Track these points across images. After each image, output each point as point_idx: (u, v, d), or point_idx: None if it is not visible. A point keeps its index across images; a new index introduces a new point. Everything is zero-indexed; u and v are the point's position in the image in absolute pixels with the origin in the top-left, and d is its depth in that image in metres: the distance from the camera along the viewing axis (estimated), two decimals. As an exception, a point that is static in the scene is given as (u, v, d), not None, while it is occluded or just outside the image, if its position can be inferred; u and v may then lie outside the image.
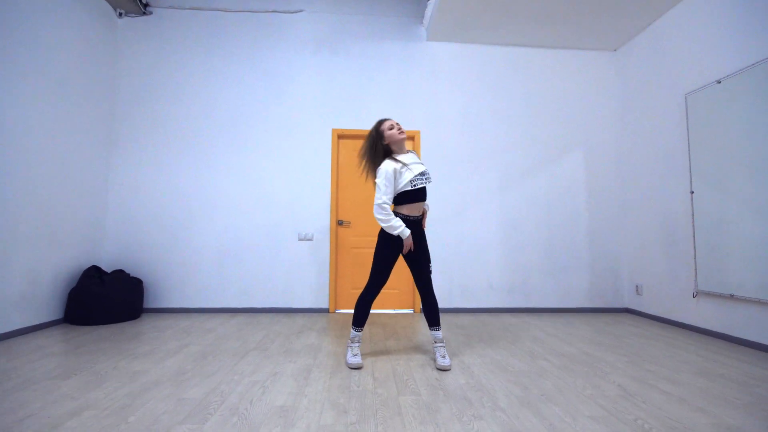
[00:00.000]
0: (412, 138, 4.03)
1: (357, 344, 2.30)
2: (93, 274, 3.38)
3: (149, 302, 3.70)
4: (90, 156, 3.56)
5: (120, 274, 3.52)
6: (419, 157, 2.40)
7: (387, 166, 2.21)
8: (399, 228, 2.17)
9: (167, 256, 3.75)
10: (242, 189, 3.86)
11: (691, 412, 1.69)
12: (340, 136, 3.97)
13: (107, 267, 3.68)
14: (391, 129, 2.27)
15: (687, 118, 3.26)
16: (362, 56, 4.04)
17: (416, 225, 2.29)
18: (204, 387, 1.91)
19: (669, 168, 3.47)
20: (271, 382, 1.99)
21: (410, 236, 2.20)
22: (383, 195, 2.17)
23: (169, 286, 3.73)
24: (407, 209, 2.26)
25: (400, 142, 2.29)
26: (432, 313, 2.31)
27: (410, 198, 2.24)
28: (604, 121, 4.14)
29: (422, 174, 2.27)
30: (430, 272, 2.33)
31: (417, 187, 2.22)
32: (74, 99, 3.38)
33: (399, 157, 2.27)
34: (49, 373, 2.10)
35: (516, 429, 1.52)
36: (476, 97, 4.09)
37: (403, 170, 2.21)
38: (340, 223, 3.93)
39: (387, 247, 2.25)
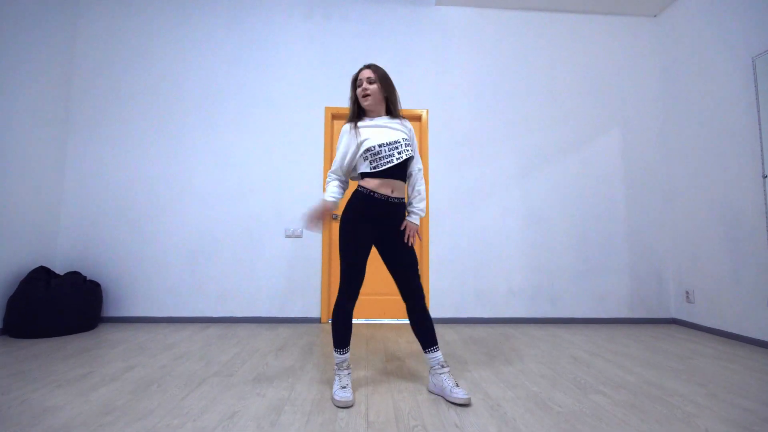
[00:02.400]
0: (418, 118, 3.45)
1: (346, 371, 1.72)
2: (39, 277, 2.84)
3: (109, 310, 3.15)
4: (40, 135, 3.02)
5: (74, 276, 2.97)
6: (401, 124, 1.79)
7: (345, 127, 1.77)
8: (325, 194, 1.75)
9: (131, 255, 3.20)
10: (219, 176, 3.30)
11: None
12: (335, 115, 3.41)
13: (60, 268, 3.14)
14: (359, 85, 1.76)
15: (756, 86, 2.66)
16: (361, 22, 3.47)
17: (385, 206, 1.70)
18: (125, 438, 1.34)
19: (731, 148, 2.86)
20: (223, 428, 1.41)
21: (325, 205, 1.71)
22: (334, 163, 1.76)
23: (133, 291, 3.18)
24: (374, 183, 1.69)
25: (365, 105, 1.76)
26: (427, 330, 1.73)
27: (382, 173, 1.69)
28: (644, 96, 3.54)
29: (393, 144, 1.70)
30: (418, 272, 1.76)
31: (386, 165, 1.67)
32: (22, 70, 2.85)
33: (366, 120, 1.76)
34: (-71, 410, 1.54)
35: None
36: (493, 70, 3.51)
37: (361, 134, 1.70)
38: (334, 217, 3.36)
39: (349, 236, 1.68)
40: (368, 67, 1.77)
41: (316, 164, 3.35)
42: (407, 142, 1.73)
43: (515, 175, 3.44)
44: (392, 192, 1.71)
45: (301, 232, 3.29)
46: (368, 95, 1.72)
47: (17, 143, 2.84)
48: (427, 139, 3.41)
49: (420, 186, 1.79)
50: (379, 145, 1.67)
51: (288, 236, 3.28)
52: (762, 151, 2.61)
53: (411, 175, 1.81)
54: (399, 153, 1.69)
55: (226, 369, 2.06)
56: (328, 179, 1.79)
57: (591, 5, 3.48)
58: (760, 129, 2.63)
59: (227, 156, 3.32)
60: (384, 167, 1.67)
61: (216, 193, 3.29)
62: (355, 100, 1.79)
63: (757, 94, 2.65)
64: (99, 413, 1.53)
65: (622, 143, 3.48)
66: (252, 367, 2.11)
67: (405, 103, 3.42)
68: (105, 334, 2.81)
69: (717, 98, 2.99)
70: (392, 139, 1.70)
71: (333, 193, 1.74)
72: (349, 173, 1.78)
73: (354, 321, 3.25)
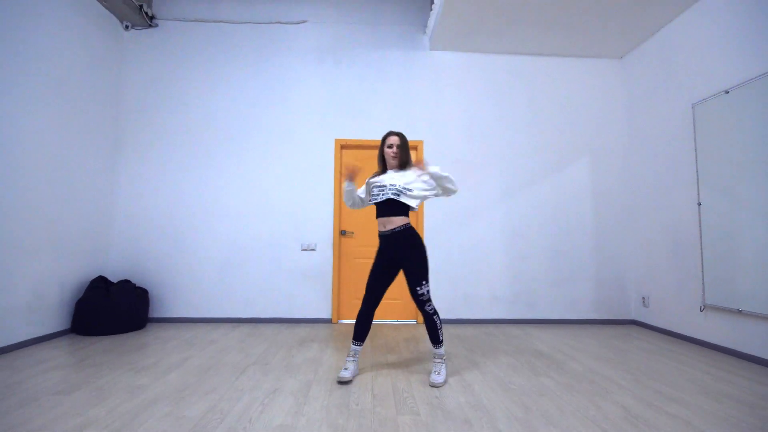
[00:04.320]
0: (414, 148, 4.02)
1: (350, 358, 2.32)
2: (99, 285, 3.42)
3: (155, 311, 3.74)
4: (95, 166, 3.61)
5: (126, 284, 3.55)
6: (412, 173, 2.34)
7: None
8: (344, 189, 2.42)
9: (172, 265, 3.78)
10: (245, 198, 3.88)
11: (696, 437, 1.66)
12: (343, 146, 3.98)
13: (114, 277, 3.72)
14: (389, 147, 2.36)
15: (694, 128, 3.21)
16: (365, 66, 4.04)
17: (383, 239, 2.33)
18: (203, 404, 1.91)
19: (676, 178, 3.41)
20: (270, 399, 1.98)
21: (350, 177, 2.37)
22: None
23: (173, 296, 3.76)
24: (377, 223, 2.36)
25: (391, 162, 2.39)
26: (427, 329, 2.30)
27: (377, 212, 2.35)
28: (610, 129, 4.10)
29: (381, 186, 2.31)
30: (417, 294, 2.25)
31: (372, 201, 2.36)
32: (80, 110, 3.43)
33: (385, 174, 2.41)
34: (52, 388, 2.12)
35: (515, 455, 1.50)
36: (480, 106, 4.07)
37: (371, 182, 2.38)
38: (343, 233, 3.93)
39: (375, 258, 2.37)
40: (397, 134, 2.37)
41: (327, 187, 3.92)
42: (393, 187, 2.27)
43: (499, 196, 4.00)
44: (385, 227, 2.29)
45: (315, 246, 3.86)
46: (396, 158, 2.35)
47: (75, 174, 3.40)
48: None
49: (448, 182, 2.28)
50: (374, 185, 2.34)
51: (304, 249, 3.86)
52: (698, 182, 3.17)
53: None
54: (383, 194, 2.29)
55: (262, 359, 2.64)
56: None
57: (565, 49, 4.02)
58: (696, 164, 3.18)
59: (252, 181, 3.90)
60: (374, 201, 2.34)
61: (242, 212, 3.87)
62: (382, 155, 2.40)
63: (694, 135, 3.20)
64: (177, 390, 2.11)
65: (590, 170, 4.04)
66: (282, 357, 2.68)
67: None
68: (155, 332, 3.38)
69: (666, 135, 3.54)
70: (382, 184, 2.31)
71: (345, 186, 2.41)
72: (361, 200, 2.47)
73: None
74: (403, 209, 2.32)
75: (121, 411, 1.84)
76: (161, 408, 1.87)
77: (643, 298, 3.77)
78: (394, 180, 2.31)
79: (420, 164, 2.21)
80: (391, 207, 2.29)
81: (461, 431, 1.67)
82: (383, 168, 2.43)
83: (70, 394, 2.04)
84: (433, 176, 2.23)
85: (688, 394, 2.12)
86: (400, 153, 2.35)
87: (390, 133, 2.39)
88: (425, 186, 2.30)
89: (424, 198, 2.34)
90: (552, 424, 1.75)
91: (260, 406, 1.90)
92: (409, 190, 2.29)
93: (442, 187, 2.28)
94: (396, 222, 2.30)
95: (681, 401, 2.02)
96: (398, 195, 2.29)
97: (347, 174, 2.35)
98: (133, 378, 2.28)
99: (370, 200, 2.39)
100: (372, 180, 2.39)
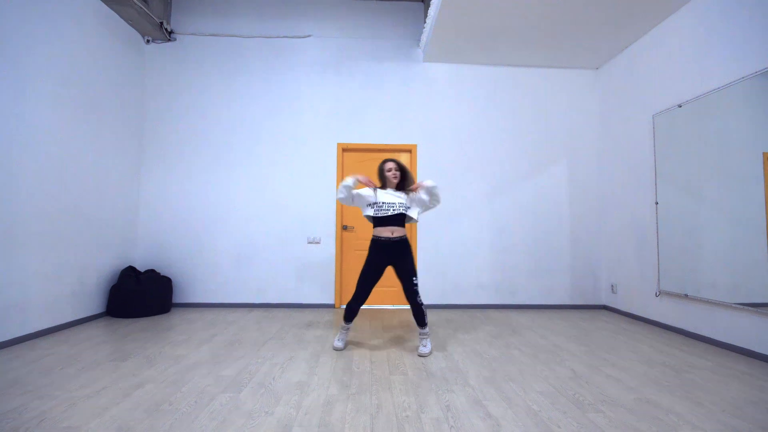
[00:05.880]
0: (409, 151, 4.45)
1: (342, 333, 2.82)
2: (130, 274, 3.88)
3: (177, 298, 4.20)
4: (123, 170, 4.04)
5: (152, 273, 4.01)
6: (405, 194, 2.81)
7: (374, 188, 2.84)
8: (342, 183, 2.71)
9: (192, 257, 4.24)
10: (257, 197, 4.32)
11: (621, 390, 2.13)
12: (345, 149, 4.41)
13: (141, 267, 4.18)
14: (389, 171, 2.82)
15: (654, 137, 3.65)
16: (365, 76, 4.46)
17: (388, 244, 2.72)
18: (235, 367, 2.39)
19: (639, 180, 3.86)
20: (288, 364, 2.46)
21: (355, 178, 2.71)
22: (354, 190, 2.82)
23: (194, 284, 4.23)
24: (378, 230, 2.77)
25: (392, 182, 2.83)
26: (416, 317, 2.74)
27: (376, 222, 2.77)
28: (585, 135, 4.53)
29: (390, 203, 2.73)
30: (412, 286, 2.71)
31: (381, 215, 2.74)
32: (108, 119, 3.85)
33: (382, 190, 2.84)
34: (108, 356, 2.59)
35: (478, 399, 1.97)
36: (468, 112, 4.49)
37: (370, 194, 2.78)
38: (345, 228, 4.38)
39: (366, 263, 2.78)
40: (393, 161, 2.82)
41: (330, 187, 4.36)
42: (401, 204, 2.74)
43: (486, 195, 4.44)
44: (392, 234, 2.73)
45: (320, 239, 4.32)
46: (396, 178, 2.80)
47: (107, 177, 3.83)
48: (417, 167, 4.42)
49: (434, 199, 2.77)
50: (383, 202, 2.75)
51: (310, 243, 4.31)
52: (655, 184, 3.61)
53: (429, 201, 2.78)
54: (393, 210, 2.73)
55: (278, 336, 3.11)
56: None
57: (546, 61, 4.43)
58: (655, 168, 3.63)
59: (263, 181, 4.34)
60: (383, 215, 2.73)
61: (254, 209, 4.31)
62: (382, 175, 2.84)
63: (654, 143, 3.64)
64: (211, 357, 2.58)
65: (568, 172, 4.48)
66: (294, 335, 3.15)
67: (399, 139, 4.42)
68: (179, 315, 3.85)
69: (633, 141, 3.97)
70: (391, 201, 2.75)
71: (346, 182, 2.73)
72: (351, 198, 2.77)
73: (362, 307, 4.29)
74: (404, 221, 2.79)
75: (170, 372, 2.31)
76: (202, 370, 2.34)
77: (612, 285, 4.25)
78: (401, 198, 2.77)
79: (417, 187, 2.70)
80: (398, 219, 2.75)
81: (439, 385, 2.14)
82: (383, 184, 2.87)
83: (125, 360, 2.51)
84: (429, 190, 2.70)
85: (628, 362, 2.59)
86: (401, 175, 2.81)
87: (386, 160, 2.85)
88: (420, 204, 2.78)
89: (422, 212, 2.83)
90: (511, 381, 2.22)
91: (280, 369, 2.37)
92: (410, 207, 2.78)
93: (435, 197, 2.74)
94: (401, 231, 2.76)
95: (620, 366, 2.50)
96: (407, 209, 2.75)
97: (365, 181, 2.75)
98: (173, 349, 2.75)
99: (375, 214, 2.74)
100: (380, 197, 2.76)
